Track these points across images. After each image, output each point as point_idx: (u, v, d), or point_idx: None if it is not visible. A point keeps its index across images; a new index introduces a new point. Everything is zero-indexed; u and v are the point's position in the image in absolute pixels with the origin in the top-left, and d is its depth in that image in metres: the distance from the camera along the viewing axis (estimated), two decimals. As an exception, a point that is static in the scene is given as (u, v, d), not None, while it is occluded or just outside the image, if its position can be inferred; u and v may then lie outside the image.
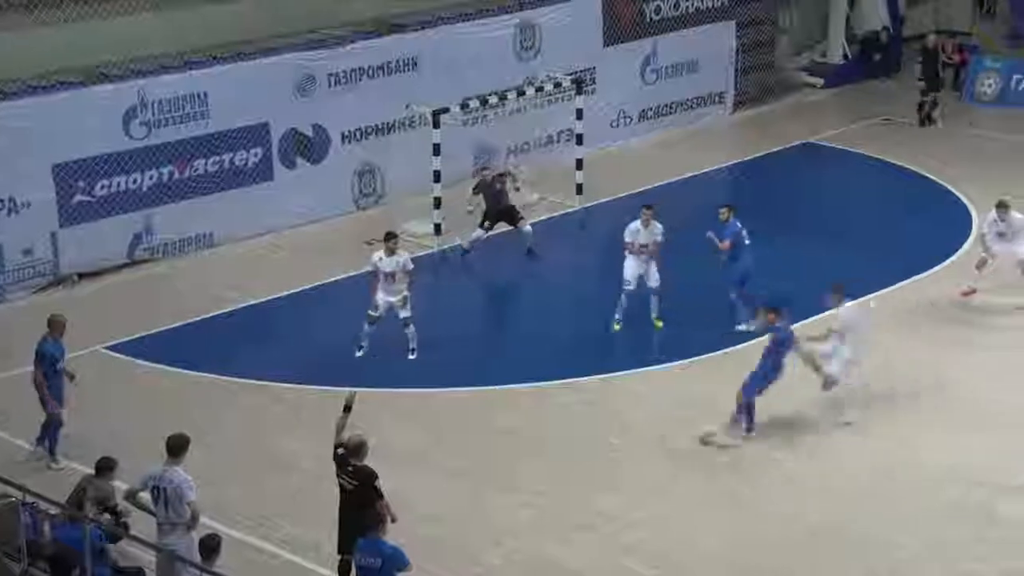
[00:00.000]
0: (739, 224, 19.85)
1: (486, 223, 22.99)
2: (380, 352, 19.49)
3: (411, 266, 19.44)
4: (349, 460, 13.54)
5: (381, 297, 19.32)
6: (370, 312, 19.40)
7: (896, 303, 20.89)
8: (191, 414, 17.83)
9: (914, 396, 18.06)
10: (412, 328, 19.28)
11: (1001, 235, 20.62)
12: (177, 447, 13.41)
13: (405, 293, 19.31)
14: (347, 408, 13.86)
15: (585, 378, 18.78)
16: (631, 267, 20.09)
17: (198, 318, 20.85)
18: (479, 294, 22.19)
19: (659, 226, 20.14)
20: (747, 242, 19.86)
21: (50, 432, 16.62)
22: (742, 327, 19.28)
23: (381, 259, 19.35)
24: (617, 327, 20.10)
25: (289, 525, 15.37)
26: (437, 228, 23.57)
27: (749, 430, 16.87)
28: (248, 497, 15.90)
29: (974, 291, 20.75)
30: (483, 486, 16.17)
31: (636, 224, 20.19)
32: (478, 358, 19.63)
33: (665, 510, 15.63)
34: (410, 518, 14.68)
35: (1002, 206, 20.56)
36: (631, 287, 20.08)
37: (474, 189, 23.39)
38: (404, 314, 19.30)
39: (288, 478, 16.34)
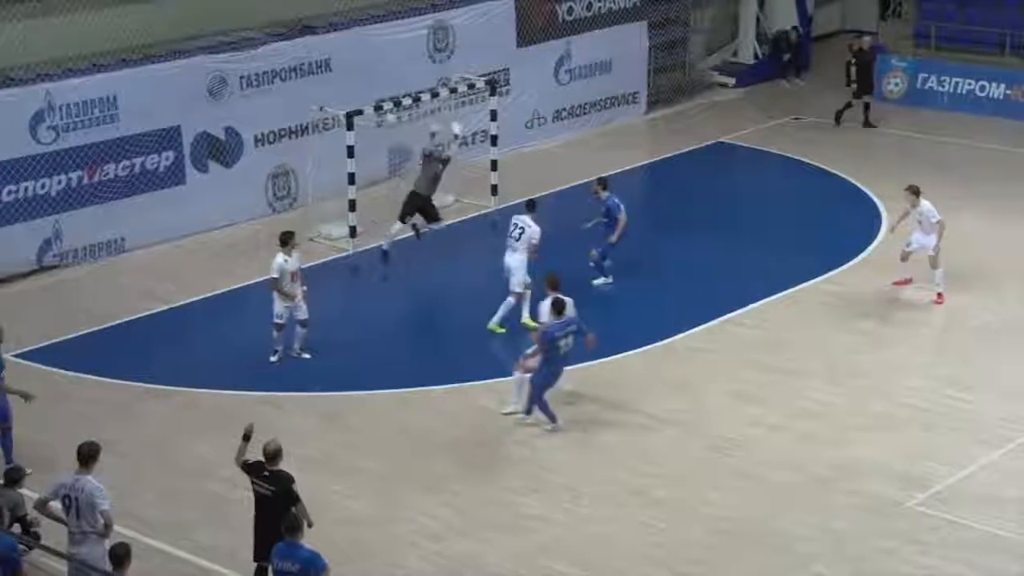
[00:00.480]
0: (616, 198, 21.05)
1: (406, 213, 22.74)
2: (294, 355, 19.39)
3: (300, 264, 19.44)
4: (265, 466, 13.39)
5: (282, 304, 19.01)
6: (277, 321, 19.16)
7: (809, 299, 21.10)
8: (104, 421, 17.59)
9: (827, 391, 18.24)
10: (307, 330, 19.15)
11: (918, 222, 20.89)
12: (88, 455, 13.19)
13: (304, 288, 19.15)
14: (246, 438, 13.68)
15: (503, 379, 18.76)
16: (508, 260, 20.22)
17: (110, 324, 20.56)
18: (396, 296, 22.06)
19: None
20: (620, 215, 21.07)
21: None
22: (599, 282, 21.20)
23: (287, 260, 19.03)
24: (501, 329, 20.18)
25: (204, 532, 15.19)
26: (352, 231, 23.43)
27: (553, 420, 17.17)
28: (162, 505, 15.69)
29: (909, 280, 21.02)
30: (401, 488, 16.09)
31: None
32: (395, 360, 19.53)
33: (584, 509, 15.64)
34: (327, 522, 14.61)
35: (914, 193, 20.82)
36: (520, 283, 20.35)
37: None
38: (302, 316, 19.12)
39: (203, 484, 16.15)
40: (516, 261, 19.94)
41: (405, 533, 15.19)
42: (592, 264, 21.24)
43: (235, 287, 21.87)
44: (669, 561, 14.65)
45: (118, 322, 20.64)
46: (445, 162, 22.82)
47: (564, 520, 15.42)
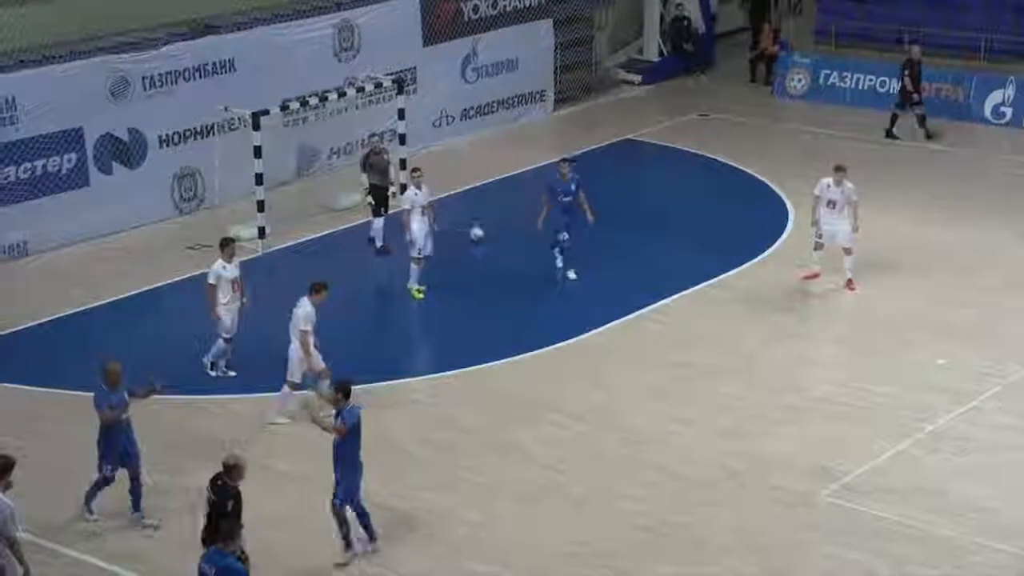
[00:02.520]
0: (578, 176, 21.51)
1: (379, 206, 22.88)
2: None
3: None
4: (220, 476, 13.53)
5: (226, 312, 18.65)
6: (223, 335, 18.73)
7: (719, 294, 21.36)
8: (10, 431, 17.33)
9: (739, 385, 18.50)
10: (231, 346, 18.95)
11: (831, 204, 21.06)
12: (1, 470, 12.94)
13: (245, 300, 18.79)
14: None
15: (415, 378, 18.80)
16: (416, 229, 20.99)
17: (13, 329, 20.27)
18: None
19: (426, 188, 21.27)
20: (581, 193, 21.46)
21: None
22: (572, 275, 21.44)
23: (225, 267, 18.66)
24: (419, 295, 21.09)
25: (118, 539, 15.02)
26: (261, 231, 23.31)
27: (372, 540, 14.89)
28: (70, 512, 15.47)
29: (817, 274, 21.33)
30: (315, 488, 16.02)
31: (411, 190, 21.32)
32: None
33: (501, 508, 15.71)
34: (247, 519, 14.55)
35: (839, 170, 21.07)
36: (419, 251, 21.08)
37: (364, 165, 23.10)
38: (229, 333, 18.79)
39: (113, 490, 15.96)
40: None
41: (320, 533, 15.08)
42: (559, 251, 21.56)
43: (142, 290, 21.65)
44: (585, 557, 14.78)
45: (22, 327, 20.37)
46: (385, 152, 23.41)
47: (482, 520, 15.47)
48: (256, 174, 23.14)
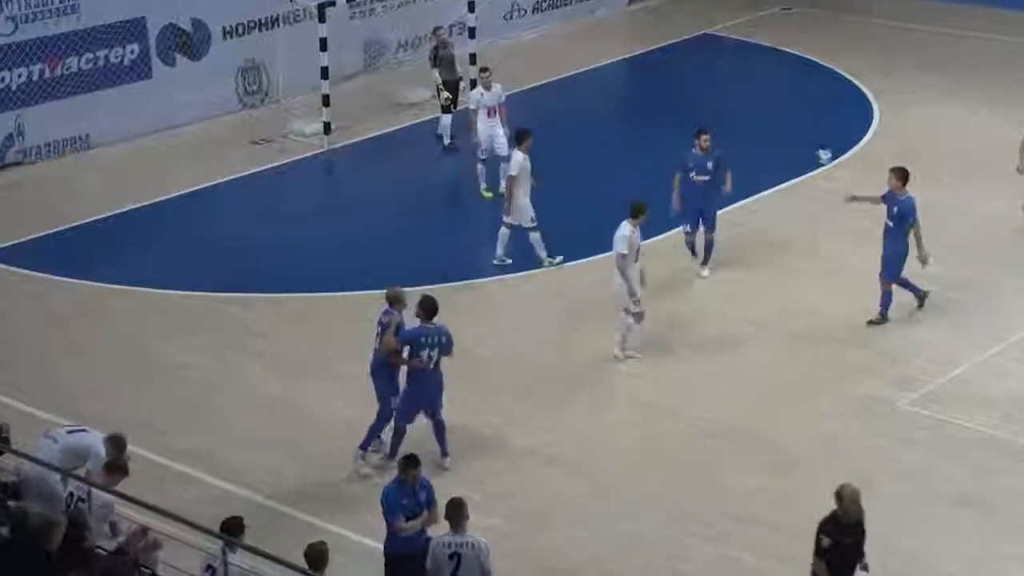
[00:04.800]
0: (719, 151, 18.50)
1: (450, 101, 22.69)
2: (271, 254, 19.34)
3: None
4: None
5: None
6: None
7: (801, 195, 21.06)
8: (72, 324, 17.54)
9: (820, 289, 18.26)
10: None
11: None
12: None
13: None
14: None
15: (484, 279, 18.76)
16: (484, 131, 20.71)
17: (76, 223, 20.41)
18: (374, 194, 21.87)
19: (499, 87, 20.86)
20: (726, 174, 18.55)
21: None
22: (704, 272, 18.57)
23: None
24: (488, 195, 20.76)
25: (180, 436, 15.19)
26: (326, 127, 23.23)
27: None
28: (136, 408, 15.66)
29: None
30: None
31: (478, 90, 20.92)
32: (373, 260, 19.40)
33: (572, 414, 15.68)
34: (320, 427, 14.73)
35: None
36: (485, 152, 20.75)
37: (433, 59, 22.90)
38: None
39: (174, 388, 16.13)
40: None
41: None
42: (691, 250, 18.67)
43: (204, 186, 21.65)
44: (653, 464, 14.76)
45: (85, 221, 20.46)
46: (450, 44, 23.29)
47: (548, 425, 15.46)
48: (321, 67, 23.01)
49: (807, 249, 19.39)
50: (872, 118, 23.88)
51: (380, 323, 14.50)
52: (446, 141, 22.93)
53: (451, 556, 11.09)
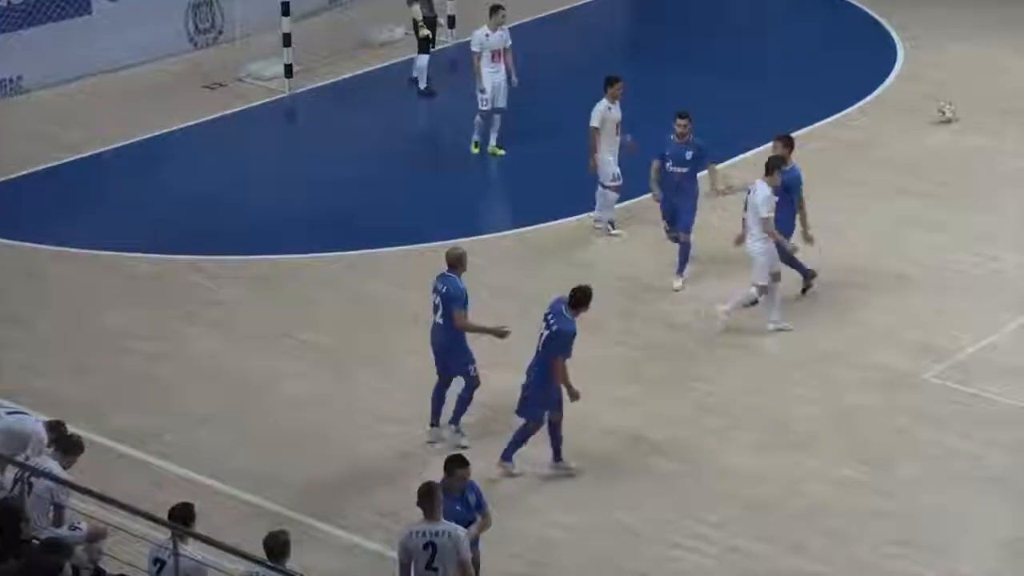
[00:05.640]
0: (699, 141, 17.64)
1: (428, 40, 22.59)
2: (227, 212, 19.32)
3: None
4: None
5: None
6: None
7: (811, 145, 21.04)
8: (7, 289, 17.51)
9: (835, 248, 18.28)
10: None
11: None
12: None
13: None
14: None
15: (463, 239, 18.72)
16: (488, 78, 20.37)
17: (7, 177, 20.34)
18: (340, 144, 21.83)
19: (505, 28, 20.58)
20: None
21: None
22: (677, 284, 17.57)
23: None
24: (475, 149, 20.72)
25: (125, 414, 15.21)
26: (288, 69, 23.15)
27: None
28: (76, 384, 15.67)
29: None
30: (351, 365, 16.12)
31: (483, 30, 20.48)
32: (340, 219, 19.39)
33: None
34: (273, 405, 14.80)
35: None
36: (487, 102, 20.42)
37: None
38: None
39: (118, 360, 16.14)
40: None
41: (356, 414, 15.26)
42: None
43: (152, 135, 21.58)
44: (652, 442, 14.83)
45: (19, 175, 20.39)
46: None
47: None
48: (282, 3, 22.91)
49: (821, 204, 19.35)
50: (896, 58, 23.86)
51: (441, 292, 14.52)
52: (422, 85, 22.87)
53: (426, 546, 11.12)
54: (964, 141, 20.89)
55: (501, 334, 14.62)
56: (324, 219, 19.37)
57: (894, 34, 24.72)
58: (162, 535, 11.08)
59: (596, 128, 18.19)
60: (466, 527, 11.54)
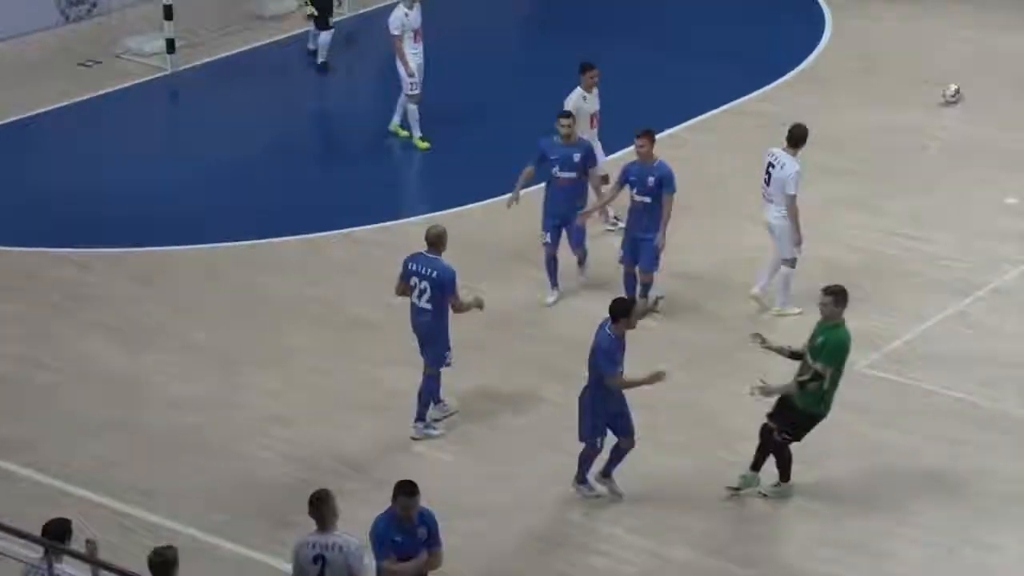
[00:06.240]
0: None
1: (324, 15, 22.49)
2: (107, 201, 19.23)
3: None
4: None
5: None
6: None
7: (736, 121, 21.23)
8: None
9: (760, 231, 18.43)
10: None
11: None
12: None
13: None
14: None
15: (365, 227, 18.75)
16: (412, 60, 20.26)
17: None
18: (228, 126, 21.76)
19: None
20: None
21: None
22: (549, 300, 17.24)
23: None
24: (423, 145, 20.53)
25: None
26: (170, 45, 23.01)
27: None
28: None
29: None
30: (240, 364, 16.08)
31: (401, 10, 20.30)
32: (229, 206, 19.38)
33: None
34: (154, 408, 15.00)
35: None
36: (415, 86, 20.32)
37: None
38: None
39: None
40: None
41: (248, 418, 15.24)
42: (549, 269, 17.22)
43: (18, 117, 21.40)
44: (560, 439, 14.91)
45: None
46: None
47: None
48: (162, -28, 22.84)
49: (746, 185, 19.50)
50: (824, 26, 24.09)
51: (429, 276, 14.52)
52: (320, 59, 22.79)
53: (315, 559, 10.99)
54: (896, 117, 21.14)
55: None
56: (211, 207, 19.30)
57: (822, 2, 25.02)
58: (35, 553, 11.00)
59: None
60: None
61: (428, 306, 14.65)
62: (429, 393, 14.99)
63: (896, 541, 13.68)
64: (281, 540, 13.14)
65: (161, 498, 14.08)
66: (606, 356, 13.68)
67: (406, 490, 11.31)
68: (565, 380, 15.09)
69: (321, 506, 11.13)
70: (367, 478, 14.15)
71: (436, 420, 15.05)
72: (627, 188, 16.62)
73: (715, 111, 21.51)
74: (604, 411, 13.93)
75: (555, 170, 16.93)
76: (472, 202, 19.01)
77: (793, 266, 16.75)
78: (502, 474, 14.51)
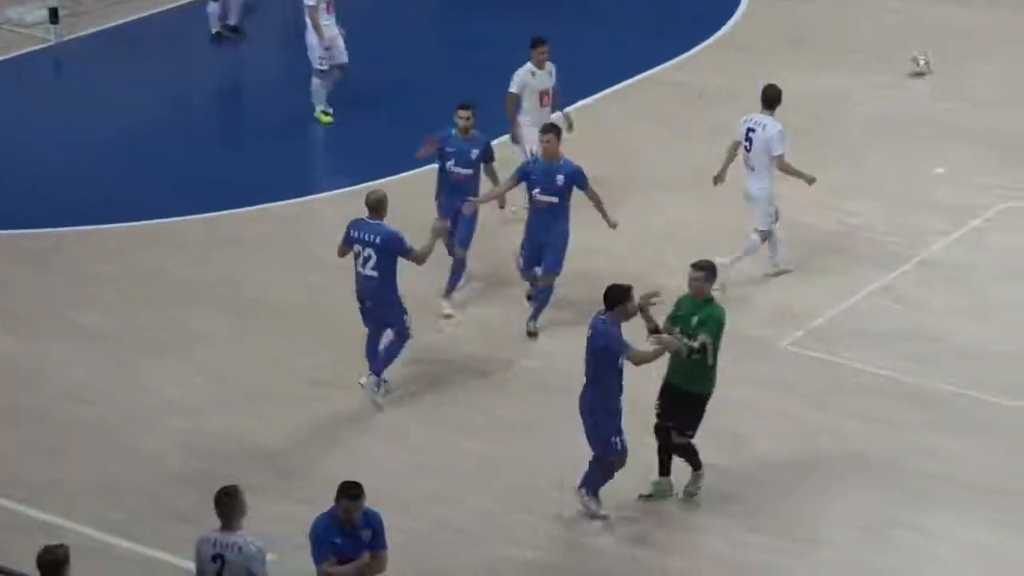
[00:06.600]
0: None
1: None
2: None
3: None
4: None
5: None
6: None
7: (650, 90, 21.31)
8: None
9: (680, 205, 18.53)
10: None
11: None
12: None
13: None
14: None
15: (265, 204, 18.68)
16: (326, 31, 20.21)
17: None
18: (118, 98, 21.58)
19: None
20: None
21: None
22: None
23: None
24: (326, 119, 20.52)
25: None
26: (53, 14, 22.79)
27: None
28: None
29: None
30: (136, 351, 15.98)
31: None
32: (124, 185, 19.23)
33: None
34: (46, 397, 14.92)
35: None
36: (325, 60, 20.27)
37: None
38: None
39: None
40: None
41: (143, 408, 15.14)
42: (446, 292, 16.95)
43: None
44: (472, 424, 14.95)
45: None
46: None
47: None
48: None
49: (661, 158, 19.61)
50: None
51: (373, 243, 14.66)
52: (232, 21, 22.61)
53: (214, 558, 10.84)
54: (819, 83, 21.28)
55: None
56: (103, 186, 19.19)
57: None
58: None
59: (513, 93, 17.99)
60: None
61: (374, 273, 14.77)
62: (390, 356, 15.13)
63: (826, 524, 13.80)
64: (183, 537, 13.05)
65: (52, 494, 13.95)
66: (613, 341, 13.32)
67: (350, 493, 11.17)
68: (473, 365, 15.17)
69: (228, 502, 10.96)
70: (280, 472, 14.11)
71: (375, 399, 15.07)
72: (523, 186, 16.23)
73: (629, 80, 21.57)
74: (606, 409, 13.61)
75: (450, 164, 16.64)
76: (383, 176, 18.94)
77: (764, 239, 16.92)
78: (423, 463, 14.49)
